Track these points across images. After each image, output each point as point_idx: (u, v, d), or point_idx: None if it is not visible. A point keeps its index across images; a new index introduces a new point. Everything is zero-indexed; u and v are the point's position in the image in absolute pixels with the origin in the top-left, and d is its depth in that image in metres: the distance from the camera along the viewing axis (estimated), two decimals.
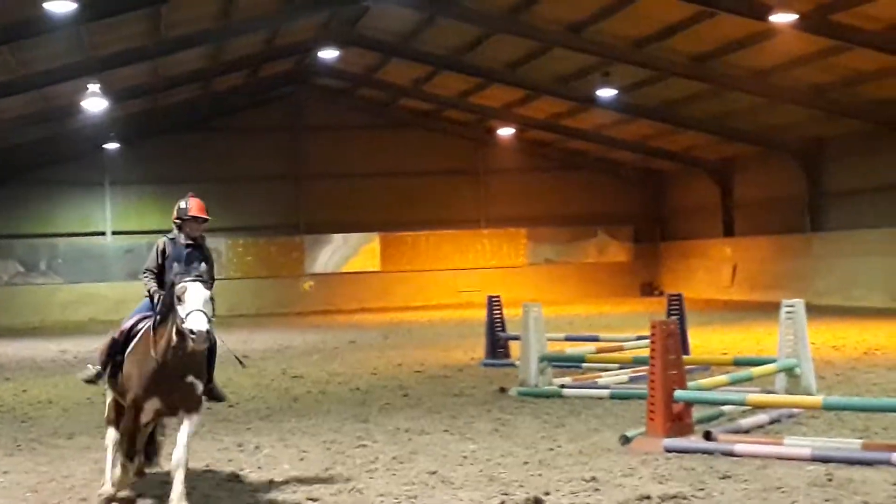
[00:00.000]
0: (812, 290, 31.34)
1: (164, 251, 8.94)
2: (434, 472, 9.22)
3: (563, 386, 14.30)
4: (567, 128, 38.70)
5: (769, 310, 13.93)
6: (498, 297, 18.91)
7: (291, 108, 41.03)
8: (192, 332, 7.83)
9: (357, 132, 41.18)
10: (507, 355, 18.16)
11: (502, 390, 14.45)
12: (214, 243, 40.09)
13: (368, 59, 34.98)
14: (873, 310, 27.68)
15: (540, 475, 9.04)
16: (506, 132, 40.96)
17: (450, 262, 41.93)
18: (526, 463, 9.61)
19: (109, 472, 8.64)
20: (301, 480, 9.14)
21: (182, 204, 9.10)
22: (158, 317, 8.31)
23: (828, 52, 25.19)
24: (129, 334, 8.63)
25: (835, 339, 20.52)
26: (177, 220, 9.09)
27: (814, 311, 25.31)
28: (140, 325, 8.60)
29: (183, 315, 7.91)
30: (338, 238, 41.08)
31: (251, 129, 40.47)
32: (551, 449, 10.22)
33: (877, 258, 30.16)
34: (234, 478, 9.39)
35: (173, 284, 8.16)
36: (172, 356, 8.10)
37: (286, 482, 9.08)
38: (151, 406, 8.29)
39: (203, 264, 8.50)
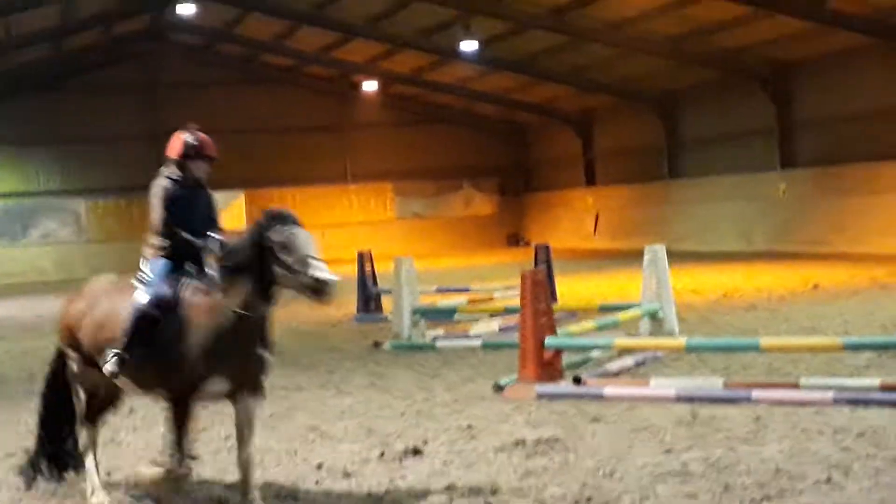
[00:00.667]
0: (671, 236, 32.21)
1: (171, 197, 7.25)
2: (314, 427, 9.32)
3: (436, 338, 14.52)
4: (430, 81, 38.83)
5: (631, 256, 14.40)
6: (368, 251, 19.00)
7: (149, 66, 40.12)
8: (318, 282, 6.45)
9: (218, 89, 40.53)
10: (379, 310, 18.30)
11: (376, 344, 14.59)
12: (74, 205, 39.26)
13: (227, 14, 34.45)
14: (728, 253, 28.66)
15: (417, 426, 9.22)
16: (370, 87, 40.87)
17: (318, 218, 41.73)
18: (403, 414, 9.78)
19: (95, 479, 7.37)
20: None
21: (188, 138, 7.39)
22: (225, 274, 6.78)
23: (681, 4, 25.81)
24: (163, 304, 6.89)
25: (694, 283, 21.20)
26: (180, 158, 7.36)
27: (673, 256, 25.91)
28: (178, 291, 6.92)
29: (298, 266, 6.50)
30: None
31: (107, 87, 39.47)
32: (427, 399, 10.42)
33: (730, 203, 31.19)
34: (111, 440, 9.32)
35: (261, 230, 6.68)
36: (244, 323, 6.68)
37: (162, 443, 9.05)
38: (212, 388, 6.75)
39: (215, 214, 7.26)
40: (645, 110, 35.24)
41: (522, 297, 10.57)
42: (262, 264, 6.63)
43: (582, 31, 29.13)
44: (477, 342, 13.87)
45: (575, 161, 40.63)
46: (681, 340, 11.66)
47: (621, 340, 11.59)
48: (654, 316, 13.23)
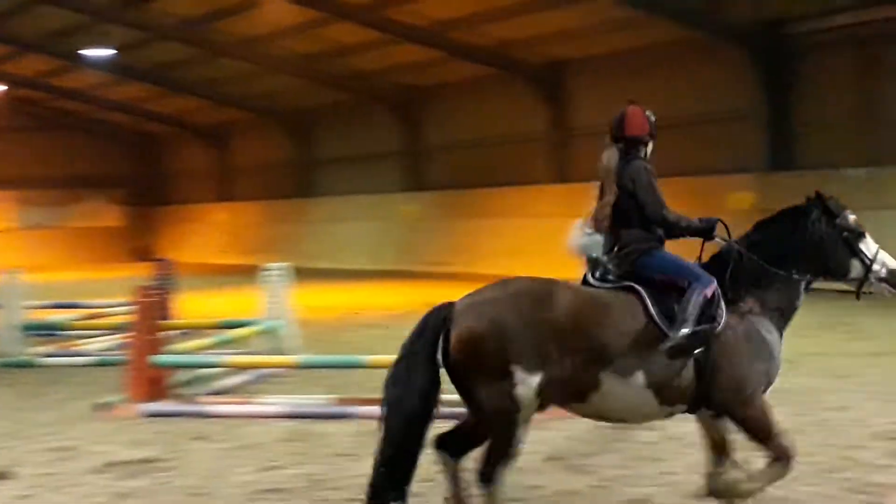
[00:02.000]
0: (303, 254, 32.45)
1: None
2: None
3: (45, 355, 13.81)
4: (58, 87, 37.12)
5: (261, 274, 14.46)
6: None
7: None
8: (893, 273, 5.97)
9: None
10: None
11: None
12: None
13: None
14: (357, 272, 29.22)
15: (9, 447, 8.70)
16: None
17: None
18: None
19: None
20: None
21: (651, 115, 6.65)
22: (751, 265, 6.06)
23: (314, 24, 26.10)
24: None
25: (321, 300, 21.42)
26: (646, 136, 6.57)
27: (303, 273, 26.23)
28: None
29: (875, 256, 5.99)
30: None
31: None
32: (23, 420, 9.87)
33: (360, 223, 31.86)
34: None
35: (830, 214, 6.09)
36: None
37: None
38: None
39: None
40: (279, 127, 35.37)
41: (132, 314, 10.25)
42: (827, 254, 6.06)
43: (215, 45, 28.83)
44: (86, 360, 13.32)
45: (209, 174, 40.16)
46: (293, 358, 11.70)
47: (232, 358, 11.47)
48: (273, 333, 13.21)
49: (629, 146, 6.46)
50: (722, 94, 22.42)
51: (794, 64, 21.11)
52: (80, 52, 30.25)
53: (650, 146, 6.49)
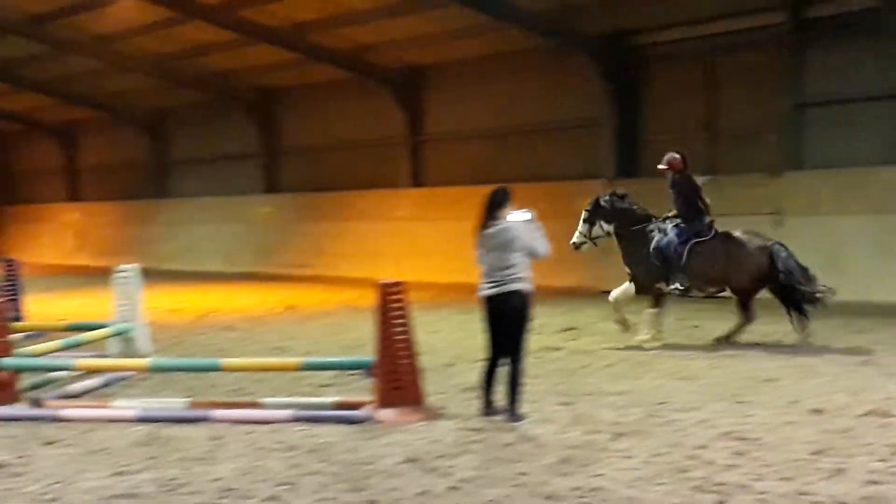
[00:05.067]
0: (158, 255, 31.93)
1: None
2: None
3: None
4: None
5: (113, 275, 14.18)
6: None
7: None
8: None
9: None
10: None
11: None
12: None
13: None
14: (212, 274, 28.86)
15: None
16: None
17: None
18: None
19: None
20: None
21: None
22: None
23: (168, 24, 25.67)
24: None
25: (175, 302, 21.11)
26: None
27: (157, 275, 25.98)
28: None
29: None
30: None
31: None
32: None
33: (216, 225, 31.46)
34: None
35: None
36: None
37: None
38: None
39: None
40: (133, 127, 34.67)
41: None
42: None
43: (64, 42, 28.08)
44: None
45: (58, 174, 39.12)
46: (144, 361, 11.53)
47: (81, 361, 11.24)
48: (125, 336, 13.00)
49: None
50: (572, 102, 22.87)
51: (640, 74, 21.71)
52: None
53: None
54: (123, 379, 11.68)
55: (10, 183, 42.04)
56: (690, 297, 13.60)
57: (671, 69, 21.24)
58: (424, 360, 9.89)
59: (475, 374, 10.10)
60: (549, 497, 6.85)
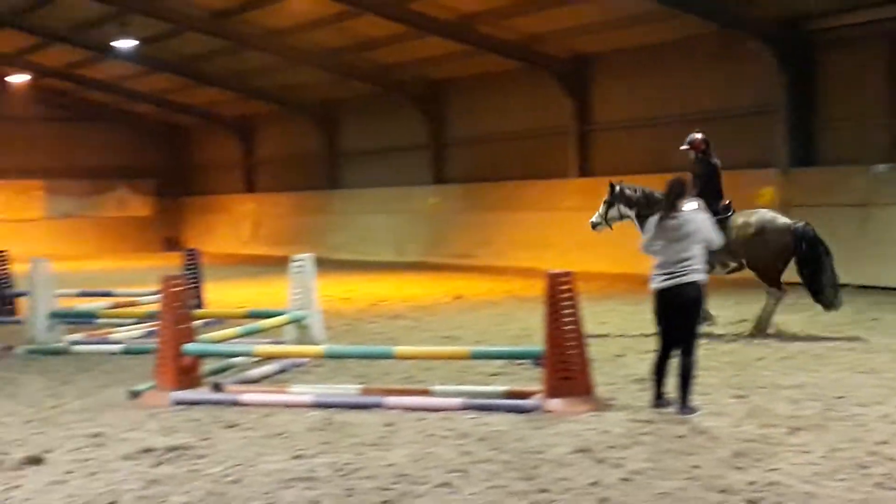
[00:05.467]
0: (329, 245, 32.64)
1: None
2: None
3: (73, 342, 13.98)
4: (85, 77, 37.34)
5: (287, 264, 14.55)
6: (4, 251, 18.05)
7: None
8: None
9: None
10: (14, 313, 17.41)
11: (8, 348, 13.87)
12: None
13: None
14: (382, 263, 29.33)
15: (42, 433, 8.84)
16: (19, 79, 38.73)
17: None
18: (29, 422, 9.35)
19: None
20: None
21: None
22: None
23: (339, 17, 26.19)
24: None
25: (346, 291, 21.54)
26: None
27: (329, 265, 26.57)
28: None
29: None
30: None
31: None
32: (56, 406, 10.01)
33: (385, 215, 31.95)
34: None
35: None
36: None
37: None
38: None
39: None
40: (305, 119, 35.48)
41: (162, 303, 10.36)
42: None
43: (241, 37, 28.94)
44: (116, 347, 13.48)
45: (235, 166, 40.34)
46: (320, 348, 11.82)
47: (260, 347, 11.59)
48: (300, 323, 13.33)
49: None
50: (745, 89, 22.36)
51: (817, 59, 21.04)
52: (107, 43, 30.45)
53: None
54: (299, 365, 12.00)
55: (190, 175, 43.58)
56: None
57: (849, 54, 20.52)
58: (593, 351, 9.85)
59: (645, 365, 10.01)
60: (723, 490, 6.74)
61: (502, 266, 26.23)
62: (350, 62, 29.73)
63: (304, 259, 13.63)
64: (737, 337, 13.29)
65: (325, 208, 35.14)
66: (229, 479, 7.31)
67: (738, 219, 13.64)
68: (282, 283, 22.02)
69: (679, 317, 9.01)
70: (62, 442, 8.49)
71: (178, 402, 9.84)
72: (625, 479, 7.08)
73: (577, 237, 24.98)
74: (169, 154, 43.51)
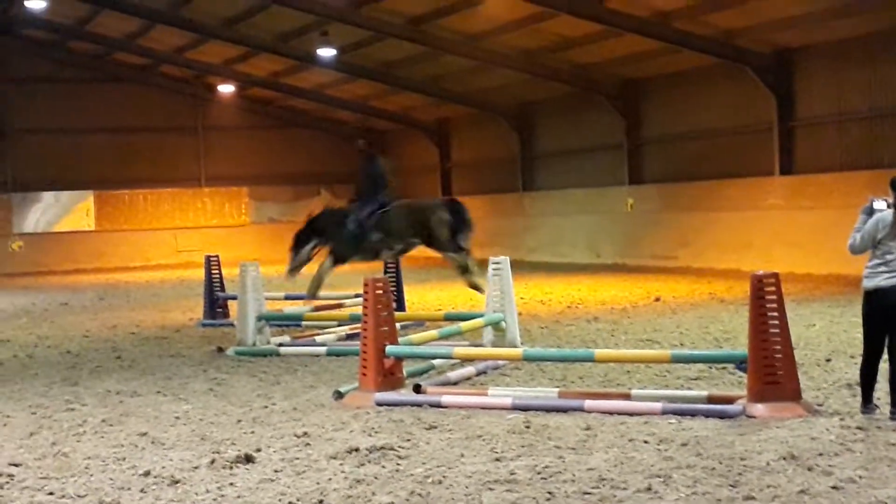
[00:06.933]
0: (524, 247, 32.74)
1: None
2: (144, 434, 9.16)
3: (280, 344, 14.43)
4: (288, 86, 38.55)
5: (484, 267, 14.64)
6: (216, 256, 18.80)
7: None
8: None
9: (70, 86, 39.53)
10: (225, 315, 18.12)
11: (219, 350, 14.44)
12: None
13: (79, 11, 33.64)
14: (578, 265, 29.22)
15: (252, 433, 9.15)
16: (226, 89, 40.35)
17: (169, 220, 41.14)
18: (239, 421, 9.69)
19: None
20: (3, 446, 8.89)
21: None
22: None
23: (535, 19, 26.22)
24: None
25: (542, 293, 21.55)
26: None
27: (525, 267, 26.69)
28: None
29: None
30: (48, 196, 39.47)
31: None
32: (265, 406, 10.35)
33: (581, 217, 31.79)
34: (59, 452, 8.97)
35: None
36: None
37: None
38: None
39: None
40: (500, 122, 35.65)
41: (365, 306, 10.58)
42: None
43: (438, 42, 29.32)
44: (321, 349, 13.85)
45: (432, 170, 40.86)
46: (518, 350, 11.86)
47: (460, 350, 11.70)
48: (497, 326, 13.41)
49: None
50: None
51: None
52: (309, 51, 31.37)
53: None
54: (496, 367, 12.06)
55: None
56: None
57: None
58: (800, 355, 9.56)
59: (855, 369, 9.65)
60: None
61: (702, 267, 25.73)
62: (545, 63, 29.72)
63: (501, 261, 13.70)
64: None
65: (519, 210, 35.24)
66: (432, 480, 7.40)
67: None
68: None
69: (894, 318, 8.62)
70: (271, 441, 8.77)
71: (381, 403, 10.03)
72: (835, 488, 6.84)
73: (781, 237, 24.33)
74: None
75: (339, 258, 16.19)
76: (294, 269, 16.62)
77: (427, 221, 15.93)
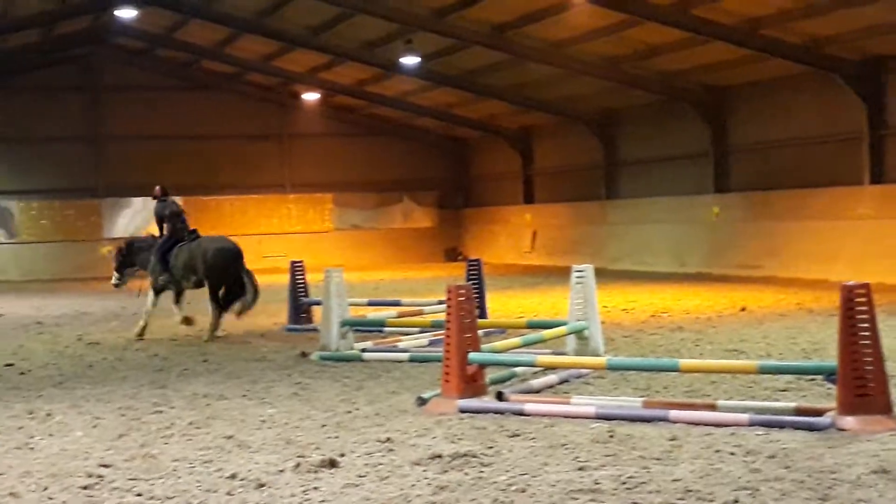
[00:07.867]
0: (607, 256, 32.55)
1: None
2: (230, 437, 9.27)
3: (364, 350, 14.51)
4: (372, 94, 38.86)
5: (566, 274, 14.55)
6: (301, 262, 18.98)
7: (88, 68, 39.82)
8: None
9: (158, 94, 40.34)
10: (309, 320, 18.27)
11: (304, 355, 14.56)
12: (6, 206, 38.76)
13: (168, 20, 34.27)
14: (661, 274, 28.94)
15: (337, 437, 9.20)
16: (311, 97, 40.80)
17: (254, 227, 41.63)
18: (324, 426, 9.76)
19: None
20: (93, 447, 9.06)
21: None
22: None
23: (619, 26, 26.10)
24: None
25: (625, 302, 21.38)
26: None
27: (607, 275, 26.50)
28: None
29: None
30: (137, 202, 40.18)
31: (45, 88, 39.16)
32: (349, 412, 10.40)
33: (665, 225, 31.53)
34: (24, 445, 9.23)
35: None
36: None
37: (78, 449, 8.98)
38: None
39: None
40: (583, 130, 35.54)
41: (448, 312, 10.59)
42: None
43: (522, 50, 29.33)
44: (404, 355, 13.89)
45: (514, 178, 40.86)
46: (602, 359, 11.77)
47: (544, 357, 11.66)
48: (580, 334, 13.34)
49: None
50: None
51: None
52: (393, 59, 31.57)
53: None
54: (580, 376, 12.00)
55: (471, 187, 44.49)
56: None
57: None
58: (891, 367, 9.36)
59: None
60: None
61: (789, 277, 25.34)
62: (630, 71, 29.57)
63: (585, 269, 13.63)
64: None
65: (602, 218, 35.07)
66: (515, 488, 7.37)
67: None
68: (560, 293, 22.24)
69: None
70: (355, 446, 8.81)
71: (464, 410, 10.02)
72: None
73: (872, 247, 23.88)
74: (450, 166, 44.57)
75: (154, 287, 18.17)
76: (117, 286, 19.27)
77: (195, 263, 17.58)
